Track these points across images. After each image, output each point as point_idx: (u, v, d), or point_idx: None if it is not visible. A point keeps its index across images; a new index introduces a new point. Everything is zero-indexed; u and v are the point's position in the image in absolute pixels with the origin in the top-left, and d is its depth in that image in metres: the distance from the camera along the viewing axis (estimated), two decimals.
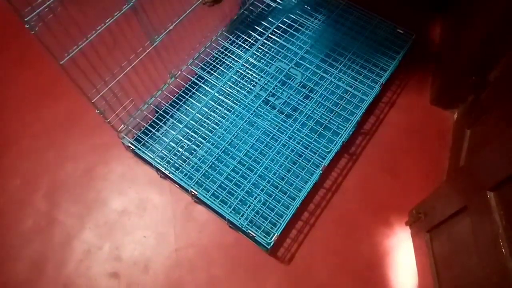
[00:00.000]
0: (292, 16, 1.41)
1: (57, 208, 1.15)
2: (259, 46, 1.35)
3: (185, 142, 1.19)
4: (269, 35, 1.37)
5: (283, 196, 1.10)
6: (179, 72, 1.28)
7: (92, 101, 1.05)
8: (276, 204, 1.09)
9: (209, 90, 1.27)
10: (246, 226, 1.05)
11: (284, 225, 1.05)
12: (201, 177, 1.13)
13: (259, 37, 1.36)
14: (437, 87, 1.27)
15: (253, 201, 1.09)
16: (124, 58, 1.10)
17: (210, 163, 1.15)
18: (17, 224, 1.13)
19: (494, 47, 1.02)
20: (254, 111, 1.23)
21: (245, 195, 1.10)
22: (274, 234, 1.03)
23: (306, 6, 1.44)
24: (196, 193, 1.09)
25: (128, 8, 1.02)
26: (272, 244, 1.02)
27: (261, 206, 1.09)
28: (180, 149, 1.18)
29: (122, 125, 1.18)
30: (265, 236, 1.03)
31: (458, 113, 1.24)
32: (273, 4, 1.44)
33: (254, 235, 1.03)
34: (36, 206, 1.15)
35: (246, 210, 1.08)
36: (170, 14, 1.16)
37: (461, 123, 1.17)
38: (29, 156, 1.23)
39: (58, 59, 0.93)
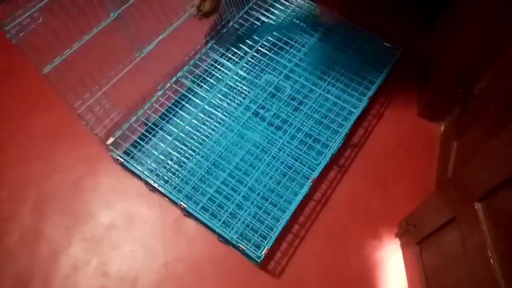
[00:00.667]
0: (281, 30, 1.43)
1: (44, 221, 1.13)
2: (249, 59, 1.36)
3: (175, 155, 1.18)
4: (259, 48, 1.38)
5: (273, 208, 1.10)
6: (169, 84, 1.28)
7: (78, 112, 1.05)
8: (267, 217, 1.09)
9: (199, 102, 1.27)
10: (236, 239, 1.04)
11: (275, 238, 1.04)
12: (190, 190, 1.13)
13: (248, 50, 1.38)
14: (424, 100, 1.29)
15: (243, 214, 1.09)
16: (111, 69, 1.09)
17: (200, 176, 1.15)
18: (2, 238, 1.10)
19: (479, 60, 1.04)
20: (244, 123, 1.23)
21: (235, 208, 1.10)
22: (264, 247, 1.03)
23: (295, 21, 1.46)
24: (185, 206, 1.09)
25: (112, 19, 1.03)
26: (262, 257, 1.02)
27: (251, 219, 1.09)
28: (170, 162, 1.17)
29: (111, 138, 1.17)
30: (255, 250, 1.03)
31: (445, 125, 1.26)
32: (263, 18, 1.46)
33: (244, 248, 1.03)
34: (22, 219, 1.13)
35: (236, 223, 1.07)
36: (157, 26, 1.17)
37: (448, 135, 1.19)
38: (16, 168, 1.21)
39: (40, 68, 0.93)
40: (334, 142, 1.19)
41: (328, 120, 1.25)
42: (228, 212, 1.09)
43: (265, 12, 1.47)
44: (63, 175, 1.20)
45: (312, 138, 1.21)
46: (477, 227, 0.69)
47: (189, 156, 1.18)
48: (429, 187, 1.17)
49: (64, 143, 1.26)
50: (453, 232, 0.80)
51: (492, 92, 1.01)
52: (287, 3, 1.51)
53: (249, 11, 1.47)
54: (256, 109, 1.26)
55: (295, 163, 1.17)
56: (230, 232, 1.05)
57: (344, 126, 1.22)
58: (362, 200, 1.17)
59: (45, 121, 1.29)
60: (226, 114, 1.25)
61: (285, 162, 1.17)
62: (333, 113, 1.26)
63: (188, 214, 1.12)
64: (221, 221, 1.07)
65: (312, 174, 1.13)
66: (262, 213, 1.09)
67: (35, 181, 1.19)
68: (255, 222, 1.08)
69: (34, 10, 0.88)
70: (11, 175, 1.20)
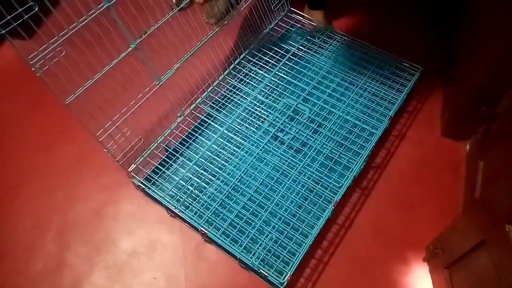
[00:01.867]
0: (299, 54, 1.45)
1: (67, 250, 1.14)
2: (267, 83, 1.38)
3: (195, 180, 1.19)
4: (276, 72, 1.40)
5: (295, 233, 1.09)
6: (188, 110, 1.31)
7: (99, 139, 1.08)
8: (288, 242, 1.08)
9: (218, 127, 1.29)
10: (258, 265, 1.03)
11: (297, 263, 1.03)
12: (211, 215, 1.13)
13: (266, 75, 1.40)
14: (447, 119, 1.27)
15: (265, 239, 1.08)
16: (131, 97, 1.13)
17: (220, 201, 1.15)
18: (27, 267, 1.12)
19: (502, 77, 1.03)
20: (263, 147, 1.24)
21: (256, 233, 1.09)
22: (287, 273, 1.01)
23: (312, 45, 1.48)
24: (206, 232, 1.09)
25: (131, 49, 1.07)
26: (285, 284, 1.00)
27: (273, 244, 1.07)
28: (190, 187, 1.18)
29: (132, 165, 1.19)
30: (278, 276, 1.01)
31: (470, 144, 1.24)
32: (281, 43, 1.48)
33: (267, 275, 1.01)
34: (45, 248, 1.15)
35: (258, 248, 1.07)
36: (175, 54, 1.21)
37: (474, 154, 1.16)
38: (39, 197, 1.24)
39: (63, 99, 0.97)
40: (356, 164, 1.18)
41: (349, 142, 1.24)
42: (249, 238, 1.08)
43: (282, 38, 1.50)
44: (85, 204, 1.23)
45: (333, 161, 1.20)
46: (509, 250, 0.67)
47: (209, 181, 1.19)
48: (456, 209, 1.13)
49: (85, 172, 1.29)
50: (484, 255, 0.77)
51: None
52: (304, 28, 1.53)
53: (266, 37, 1.49)
54: (275, 133, 1.26)
55: (316, 186, 1.16)
56: (251, 258, 1.04)
57: (366, 148, 1.21)
58: (387, 223, 1.14)
59: (67, 151, 1.33)
60: (245, 138, 1.26)
61: (306, 186, 1.16)
62: (353, 135, 1.26)
63: (209, 240, 1.12)
64: (242, 247, 1.07)
65: (334, 197, 1.12)
66: (283, 238, 1.08)
67: (57, 211, 1.22)
68: (277, 247, 1.07)
69: (57, 45, 0.93)
70: (35, 205, 1.23)
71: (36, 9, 0.88)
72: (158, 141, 1.25)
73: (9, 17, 0.85)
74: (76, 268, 1.12)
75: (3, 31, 0.84)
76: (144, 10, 1.10)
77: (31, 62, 0.90)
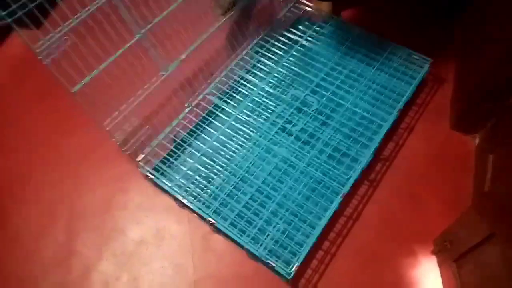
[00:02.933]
0: (307, 45, 1.45)
1: (76, 239, 1.16)
2: (275, 74, 1.38)
3: (203, 171, 1.20)
4: (284, 63, 1.40)
5: (302, 224, 1.10)
6: (196, 101, 1.31)
7: (107, 128, 1.09)
8: (296, 233, 1.08)
9: (226, 118, 1.29)
10: (266, 256, 1.04)
11: (305, 254, 1.04)
12: (219, 205, 1.14)
13: (274, 66, 1.39)
14: (456, 112, 1.26)
15: (272, 230, 1.09)
16: (137, 87, 1.15)
17: (228, 192, 1.16)
18: (37, 255, 1.14)
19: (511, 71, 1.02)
20: (271, 138, 1.24)
21: (263, 223, 1.10)
22: (294, 264, 1.02)
23: (321, 36, 1.48)
24: (214, 222, 1.10)
25: (137, 39, 1.08)
26: (292, 274, 1.01)
27: (280, 235, 1.08)
28: (198, 178, 1.19)
29: (140, 155, 1.20)
30: (285, 266, 1.02)
31: (480, 137, 1.23)
32: (289, 34, 1.47)
33: (274, 265, 1.02)
34: (55, 237, 1.17)
35: (265, 239, 1.07)
36: (181, 44, 1.22)
37: (484, 148, 1.16)
38: (49, 186, 1.26)
39: (70, 87, 0.99)
40: (364, 156, 1.18)
41: (357, 134, 1.24)
42: (256, 228, 1.09)
43: (290, 29, 1.49)
44: (94, 193, 1.24)
45: (341, 153, 1.20)
46: None
47: (217, 172, 1.20)
48: (465, 202, 1.13)
49: (94, 161, 1.30)
50: (494, 249, 0.77)
51: None
52: (312, 19, 1.52)
53: (274, 28, 1.49)
54: (283, 124, 1.27)
55: (324, 178, 1.16)
56: (259, 248, 1.05)
57: (374, 140, 1.21)
58: (395, 216, 1.15)
59: (77, 141, 1.34)
60: (253, 130, 1.26)
61: (314, 177, 1.17)
62: (362, 127, 1.25)
63: (217, 230, 1.13)
64: (250, 237, 1.08)
65: (342, 189, 1.12)
66: (291, 229, 1.09)
67: (67, 200, 1.23)
68: (284, 238, 1.08)
69: (62, 34, 0.95)
70: (45, 194, 1.25)
71: None
72: (167, 132, 1.25)
73: (14, 6, 0.87)
74: (85, 256, 1.13)
75: (9, 20, 0.86)
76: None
77: (37, 51, 0.92)
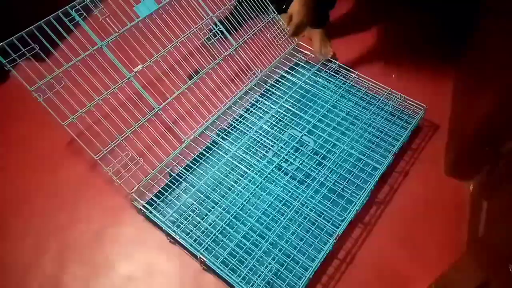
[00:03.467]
0: (305, 87, 1.49)
1: (64, 271, 1.13)
2: (273, 114, 1.41)
3: (197, 206, 1.20)
4: (282, 104, 1.43)
5: (295, 265, 1.08)
6: (193, 136, 1.33)
7: (97, 159, 1.16)
8: (288, 274, 1.07)
9: (223, 154, 1.30)
10: None
11: None
12: (211, 243, 1.12)
13: (272, 106, 1.43)
14: (451, 158, 1.28)
15: (264, 270, 1.07)
16: (131, 121, 1.23)
17: (221, 229, 1.15)
18: (22, 285, 1.11)
19: (506, 117, 1.05)
20: (266, 176, 1.25)
21: (256, 263, 1.08)
22: None
23: (319, 78, 1.52)
24: (204, 260, 1.08)
25: (131, 76, 1.22)
26: None
27: (272, 276, 1.07)
28: (191, 213, 1.19)
29: (134, 188, 1.20)
30: None
31: (474, 184, 1.24)
32: (288, 76, 1.52)
33: None
34: (43, 268, 1.14)
35: (257, 280, 1.06)
36: (175, 82, 1.31)
37: (478, 194, 1.17)
38: (42, 216, 1.24)
39: (61, 120, 1.14)
40: (359, 198, 1.18)
41: (352, 176, 1.25)
42: (248, 268, 1.07)
43: (289, 70, 1.54)
44: (86, 225, 1.23)
45: (336, 194, 1.21)
46: None
47: (211, 208, 1.20)
48: (460, 248, 1.13)
49: (88, 193, 1.29)
50: None
51: None
52: (310, 63, 1.58)
53: (273, 69, 1.54)
54: (279, 163, 1.28)
55: (318, 219, 1.16)
56: None
57: (369, 182, 1.22)
58: (389, 260, 1.13)
59: (71, 173, 1.34)
60: (249, 167, 1.28)
61: (308, 217, 1.17)
62: (357, 169, 1.27)
63: (208, 268, 1.11)
64: (241, 277, 1.06)
65: (336, 231, 1.12)
66: (283, 270, 1.07)
67: (58, 230, 1.22)
68: (276, 279, 1.06)
69: (49, 78, 1.14)
70: (37, 224, 1.23)
71: (37, 49, 1.11)
72: (162, 165, 1.26)
73: (14, 56, 1.08)
74: None
75: (9, 66, 1.08)
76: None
77: (32, 90, 1.11)
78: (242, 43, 1.48)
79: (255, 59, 1.48)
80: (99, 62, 1.20)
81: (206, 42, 1.42)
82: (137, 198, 1.20)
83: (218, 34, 1.43)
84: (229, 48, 1.45)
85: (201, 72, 1.34)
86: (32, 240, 1.20)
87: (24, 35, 1.10)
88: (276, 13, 1.55)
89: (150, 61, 1.28)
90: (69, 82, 1.15)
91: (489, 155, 1.14)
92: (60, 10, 1.16)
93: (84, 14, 1.18)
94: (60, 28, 1.14)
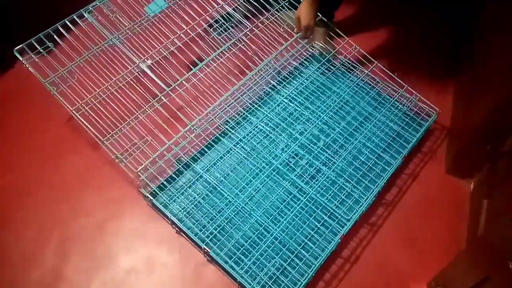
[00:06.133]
0: (317, 81, 1.52)
1: (66, 262, 1.18)
2: (283, 107, 1.44)
3: (202, 197, 1.24)
4: (293, 97, 1.46)
5: (299, 262, 1.13)
6: (203, 126, 1.36)
7: (106, 143, 1.25)
8: (291, 270, 1.11)
9: (231, 146, 1.34)
10: None
11: None
12: (215, 234, 1.17)
13: (284, 99, 1.46)
14: (452, 157, 1.33)
15: (268, 265, 1.12)
16: (138, 110, 1.34)
17: (226, 221, 1.20)
18: (24, 276, 1.16)
19: (506, 117, 1.09)
20: (274, 171, 1.29)
21: (259, 257, 1.13)
22: None
23: (332, 74, 1.56)
24: (208, 250, 1.12)
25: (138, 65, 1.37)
26: None
27: (275, 271, 1.11)
28: (197, 204, 1.23)
29: (140, 177, 1.23)
30: None
31: (475, 182, 1.29)
32: (301, 68, 1.55)
33: None
34: (45, 259, 1.19)
35: (259, 273, 1.10)
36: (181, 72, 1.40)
37: (479, 193, 1.22)
38: (44, 208, 1.29)
39: (71, 110, 1.27)
40: (366, 199, 1.23)
41: (361, 176, 1.29)
42: (251, 261, 1.12)
43: (302, 65, 1.58)
44: (88, 217, 1.27)
45: (344, 193, 1.25)
46: None
47: (217, 200, 1.24)
48: (460, 246, 1.19)
49: (92, 184, 1.34)
50: None
51: None
52: (324, 58, 1.61)
53: (287, 60, 1.57)
54: (288, 158, 1.32)
55: (324, 217, 1.20)
56: (252, 282, 1.08)
57: (377, 183, 1.26)
58: (393, 261, 1.18)
59: (76, 163, 1.38)
60: (257, 161, 1.31)
61: (314, 215, 1.21)
62: (366, 169, 1.31)
63: (210, 260, 1.15)
64: (244, 270, 1.10)
65: (341, 230, 1.16)
66: (287, 265, 1.12)
67: (61, 222, 1.26)
68: (279, 274, 1.11)
69: (61, 72, 1.33)
70: (39, 215, 1.27)
71: (52, 47, 1.34)
72: (169, 155, 1.29)
73: (31, 54, 1.29)
74: (73, 282, 1.15)
75: (26, 63, 1.28)
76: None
77: (45, 81, 1.29)
78: (257, 30, 1.53)
79: (267, 49, 1.52)
80: (108, 56, 1.37)
81: (218, 28, 1.52)
82: (147, 181, 1.22)
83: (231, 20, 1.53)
84: (242, 32, 1.52)
85: (213, 54, 1.40)
86: (34, 232, 1.24)
87: (42, 37, 1.32)
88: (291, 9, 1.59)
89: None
90: (81, 74, 1.34)
91: (490, 154, 1.19)
92: (75, 13, 1.39)
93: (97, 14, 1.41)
94: (74, 29, 1.38)
